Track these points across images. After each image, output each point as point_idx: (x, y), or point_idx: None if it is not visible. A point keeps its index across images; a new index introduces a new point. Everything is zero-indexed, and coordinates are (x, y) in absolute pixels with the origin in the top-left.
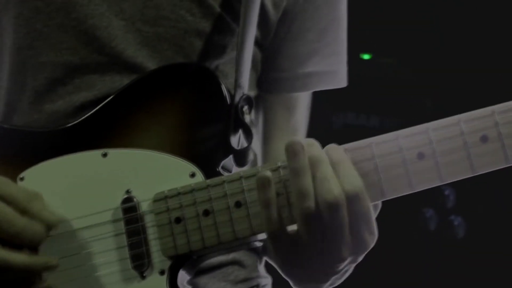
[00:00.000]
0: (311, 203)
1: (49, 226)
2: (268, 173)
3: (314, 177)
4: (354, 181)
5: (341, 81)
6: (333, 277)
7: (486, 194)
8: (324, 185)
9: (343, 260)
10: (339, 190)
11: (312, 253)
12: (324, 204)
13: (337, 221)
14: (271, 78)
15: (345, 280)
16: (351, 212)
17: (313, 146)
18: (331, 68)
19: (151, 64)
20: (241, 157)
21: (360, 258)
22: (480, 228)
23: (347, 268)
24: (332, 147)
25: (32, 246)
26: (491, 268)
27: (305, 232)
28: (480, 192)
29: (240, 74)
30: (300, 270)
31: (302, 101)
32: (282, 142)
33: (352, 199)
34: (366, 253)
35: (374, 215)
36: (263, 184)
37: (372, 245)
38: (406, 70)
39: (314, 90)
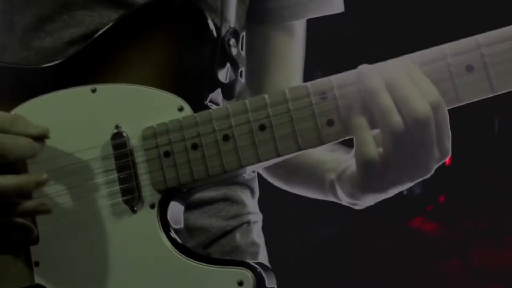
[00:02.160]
0: (397, 120)
1: (38, 138)
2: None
3: (397, 99)
4: (434, 92)
5: (335, 6)
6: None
7: None
8: (410, 105)
9: (429, 171)
10: (427, 106)
11: (399, 173)
12: (413, 122)
13: (427, 136)
14: (260, 10)
15: None
16: (436, 124)
17: (384, 67)
18: None
19: None
20: (228, 90)
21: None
22: None
23: (421, 176)
24: (400, 61)
25: (23, 164)
26: None
27: (394, 152)
28: None
29: (226, 7)
30: (384, 188)
31: (298, 31)
32: (281, 74)
33: (437, 110)
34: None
35: None
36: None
37: (450, 150)
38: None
39: (304, 18)
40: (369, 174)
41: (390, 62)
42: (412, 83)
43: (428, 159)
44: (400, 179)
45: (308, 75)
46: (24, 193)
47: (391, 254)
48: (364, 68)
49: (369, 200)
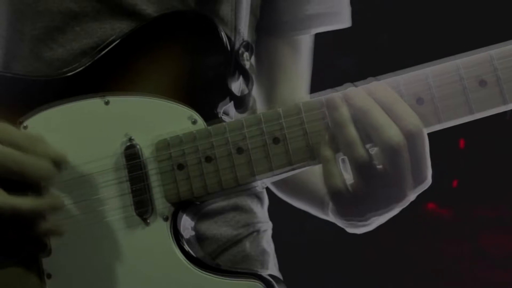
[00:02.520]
0: (361, 151)
1: (56, 162)
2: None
3: (366, 126)
4: (410, 119)
5: (343, 21)
6: (388, 213)
7: None
8: (380, 133)
9: (403, 200)
10: (398, 134)
11: (371, 199)
12: (387, 152)
13: (399, 165)
14: (271, 22)
15: None
16: (412, 151)
17: (355, 98)
18: (332, 9)
19: (150, 10)
20: (241, 103)
21: (414, 196)
22: None
23: (402, 203)
24: (379, 87)
25: (39, 185)
26: None
27: (363, 182)
28: None
29: (239, 20)
30: (357, 212)
31: (305, 44)
32: (288, 85)
33: (414, 138)
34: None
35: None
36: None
37: (429, 177)
38: None
39: (315, 32)
40: (339, 203)
41: (364, 86)
42: (382, 111)
43: (401, 188)
44: (376, 207)
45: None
46: (40, 216)
47: (403, 239)
48: (331, 98)
49: (359, 225)
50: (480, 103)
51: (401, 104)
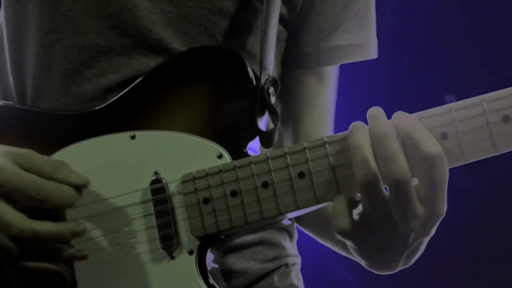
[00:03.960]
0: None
1: (78, 187)
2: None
3: (377, 155)
4: (434, 145)
5: (368, 53)
6: (406, 253)
7: None
8: (388, 163)
9: (411, 232)
10: (405, 167)
11: (378, 228)
12: (391, 183)
13: (403, 197)
14: (295, 54)
15: None
16: (429, 179)
17: (376, 119)
18: (356, 41)
19: (176, 45)
20: (267, 139)
21: (433, 230)
22: None
23: (418, 241)
24: (405, 116)
25: (61, 211)
26: None
27: (372, 217)
28: None
29: (265, 55)
30: (369, 249)
31: (330, 76)
32: (313, 117)
33: (434, 164)
34: (437, 224)
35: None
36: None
37: (442, 216)
38: None
39: (339, 63)
40: (348, 241)
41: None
42: (396, 143)
43: (407, 220)
44: (387, 235)
45: None
46: (61, 241)
47: None
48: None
49: (381, 265)
50: (503, 138)
51: (424, 130)
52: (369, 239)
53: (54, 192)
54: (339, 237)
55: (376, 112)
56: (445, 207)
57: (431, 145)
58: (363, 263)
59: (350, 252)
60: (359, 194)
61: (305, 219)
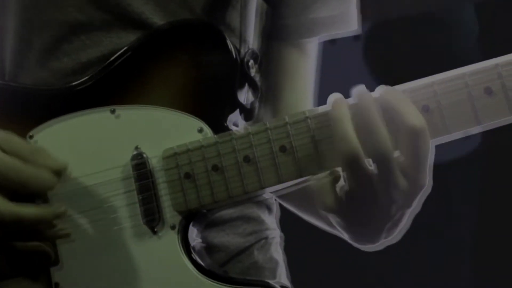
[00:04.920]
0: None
1: (58, 172)
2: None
3: (359, 128)
4: (417, 117)
5: (348, 24)
6: (388, 225)
7: None
8: (370, 136)
9: (392, 204)
10: (387, 140)
11: (362, 201)
12: (373, 155)
13: (386, 169)
14: (276, 26)
15: None
16: (411, 151)
17: (358, 93)
18: (335, 12)
19: (156, 19)
20: (248, 112)
21: (415, 203)
22: None
23: (401, 213)
24: (388, 89)
25: (42, 195)
26: None
27: (357, 191)
28: None
29: (244, 28)
30: (352, 222)
31: (310, 49)
32: (293, 90)
33: (416, 136)
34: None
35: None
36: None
37: (424, 188)
38: None
39: (319, 35)
40: (337, 216)
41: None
42: (380, 114)
43: (390, 192)
44: (368, 216)
45: None
46: (43, 223)
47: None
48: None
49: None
50: (485, 111)
51: (408, 102)
52: (353, 212)
53: (35, 175)
54: (323, 212)
55: (358, 87)
56: (427, 180)
57: (414, 117)
58: (346, 236)
59: (333, 226)
60: (341, 168)
61: (288, 194)
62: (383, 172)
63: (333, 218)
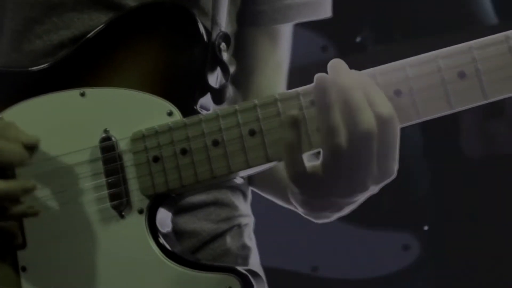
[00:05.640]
0: (342, 139)
1: (28, 146)
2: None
3: (345, 108)
4: (386, 105)
5: (323, 11)
6: (347, 207)
7: None
8: (357, 116)
9: (364, 189)
10: (371, 119)
11: (334, 186)
12: (355, 136)
13: (368, 152)
14: (251, 12)
15: None
16: (381, 139)
17: (341, 73)
18: None
19: (128, 0)
20: (218, 95)
21: (379, 188)
22: None
23: (362, 196)
24: (354, 72)
25: (11, 170)
26: None
27: (332, 167)
28: None
29: (217, 10)
30: (318, 201)
31: (284, 34)
32: (265, 76)
33: (385, 125)
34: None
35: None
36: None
37: (394, 174)
38: None
39: (294, 21)
40: (299, 188)
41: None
42: (361, 94)
43: (364, 177)
44: (336, 192)
45: None
46: (11, 199)
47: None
48: (321, 78)
49: (317, 212)
50: (458, 95)
51: (377, 90)
52: (319, 188)
53: (3, 148)
54: (291, 185)
55: (339, 64)
56: (396, 168)
57: (384, 107)
58: (300, 210)
59: (290, 201)
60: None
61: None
62: (364, 153)
63: (294, 191)
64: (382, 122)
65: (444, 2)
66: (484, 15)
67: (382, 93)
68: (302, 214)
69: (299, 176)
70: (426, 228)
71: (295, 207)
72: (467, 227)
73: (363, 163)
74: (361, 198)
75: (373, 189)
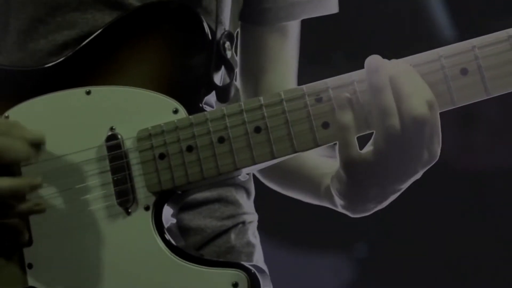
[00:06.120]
0: (395, 121)
1: (33, 143)
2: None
3: (397, 94)
4: (429, 92)
5: (329, 7)
6: (391, 196)
7: None
8: (410, 101)
9: (414, 174)
10: (424, 105)
11: (385, 171)
12: (410, 121)
13: (420, 136)
14: (255, 11)
15: None
16: (432, 124)
17: (390, 62)
18: None
19: (132, 0)
20: (223, 93)
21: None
22: None
23: (405, 185)
24: (399, 62)
25: (17, 167)
26: None
27: (385, 152)
28: None
29: (221, 10)
30: (365, 189)
31: (291, 32)
32: (276, 74)
33: (434, 110)
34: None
35: None
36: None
37: (438, 157)
38: None
39: (300, 19)
40: (350, 174)
41: (391, 61)
42: (412, 81)
43: (416, 161)
44: (386, 181)
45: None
46: (19, 196)
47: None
48: (373, 61)
49: (360, 204)
50: (461, 91)
51: (420, 78)
52: (371, 173)
53: (9, 146)
54: (342, 169)
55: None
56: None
57: (429, 91)
58: (339, 202)
59: (321, 196)
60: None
61: (272, 171)
62: (417, 134)
63: (341, 180)
64: (432, 107)
65: (398, 20)
66: (440, 29)
67: (423, 81)
68: (337, 209)
69: (352, 159)
70: (360, 251)
71: (330, 201)
72: (405, 250)
73: (415, 147)
74: (407, 184)
75: (419, 174)
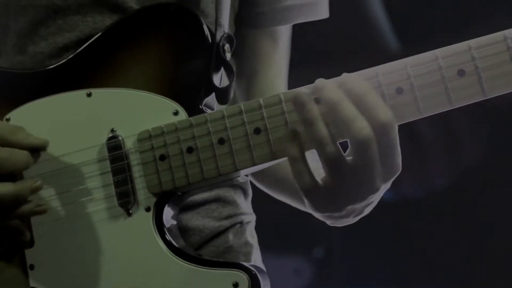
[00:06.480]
0: (331, 148)
1: (36, 149)
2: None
3: (335, 120)
4: (384, 111)
5: (321, 12)
6: (366, 208)
7: None
8: (349, 126)
9: (376, 190)
10: (366, 127)
11: (344, 194)
12: (353, 143)
13: (368, 156)
14: (250, 14)
15: None
16: (382, 143)
17: (324, 89)
18: (309, 0)
19: (132, 3)
20: (223, 95)
21: (390, 184)
22: None
23: (377, 196)
24: (350, 79)
25: (18, 173)
26: None
27: (332, 176)
28: None
29: (220, 12)
30: (334, 209)
31: (284, 34)
32: (267, 76)
33: (384, 130)
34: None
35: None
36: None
37: (400, 169)
38: None
39: (294, 23)
40: (313, 198)
41: (335, 79)
42: (351, 104)
43: (372, 179)
44: (349, 199)
45: None
46: (20, 200)
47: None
48: (297, 95)
49: (336, 218)
50: (458, 92)
51: (372, 95)
52: (331, 196)
53: (8, 157)
54: (302, 195)
55: (320, 79)
56: (400, 161)
57: (382, 113)
58: (318, 216)
59: (304, 205)
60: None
61: (264, 176)
62: (363, 158)
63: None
64: (382, 127)
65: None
66: (385, 41)
67: (378, 98)
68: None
69: (310, 188)
70: (318, 252)
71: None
72: (364, 250)
73: (366, 167)
74: (377, 197)
75: (386, 186)
